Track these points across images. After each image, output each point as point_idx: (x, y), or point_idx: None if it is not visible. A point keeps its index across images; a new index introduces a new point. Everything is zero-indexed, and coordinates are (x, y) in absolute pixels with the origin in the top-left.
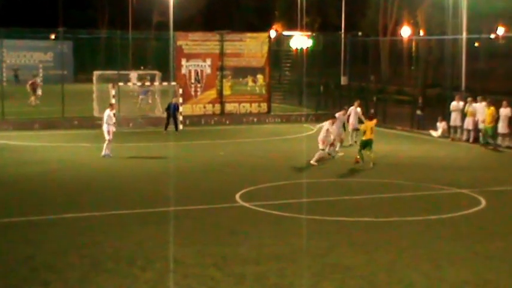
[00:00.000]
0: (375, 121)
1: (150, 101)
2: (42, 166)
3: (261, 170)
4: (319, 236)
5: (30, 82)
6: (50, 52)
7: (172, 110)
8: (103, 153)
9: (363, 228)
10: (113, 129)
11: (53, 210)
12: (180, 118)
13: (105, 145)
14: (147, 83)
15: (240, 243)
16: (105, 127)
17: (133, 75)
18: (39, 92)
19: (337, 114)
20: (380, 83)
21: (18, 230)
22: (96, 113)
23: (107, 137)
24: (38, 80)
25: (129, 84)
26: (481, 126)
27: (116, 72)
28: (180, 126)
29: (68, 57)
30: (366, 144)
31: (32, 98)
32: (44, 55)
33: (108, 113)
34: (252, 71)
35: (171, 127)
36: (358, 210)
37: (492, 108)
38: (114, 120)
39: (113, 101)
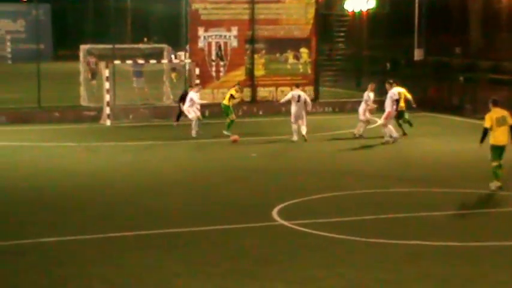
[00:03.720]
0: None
1: (146, 88)
2: (11, 174)
3: (305, 177)
4: (384, 266)
5: None
6: (21, 19)
7: (179, 99)
8: (193, 133)
9: (444, 255)
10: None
11: (26, 233)
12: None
13: (193, 124)
14: (140, 61)
15: (277, 276)
16: (187, 106)
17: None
18: None
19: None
20: (468, 57)
21: None
22: (83, 102)
23: (191, 115)
24: None
25: (128, 62)
26: None
27: (110, 46)
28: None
29: (45, 26)
30: (500, 153)
31: None
32: (12, 23)
33: (193, 95)
34: (294, 44)
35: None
36: (436, 231)
37: None
38: (198, 102)
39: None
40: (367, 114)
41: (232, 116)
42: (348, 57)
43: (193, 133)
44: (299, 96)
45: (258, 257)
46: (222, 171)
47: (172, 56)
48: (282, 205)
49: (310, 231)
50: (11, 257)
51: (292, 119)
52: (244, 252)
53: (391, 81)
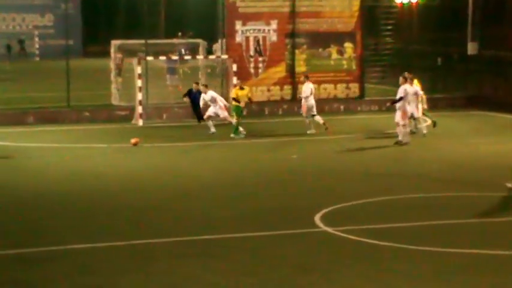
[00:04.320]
0: None
1: (179, 86)
2: (39, 177)
3: (350, 180)
4: (438, 277)
5: None
6: (49, 14)
7: (193, 97)
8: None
9: (503, 265)
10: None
11: (55, 239)
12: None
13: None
14: (174, 57)
15: (319, 286)
16: (212, 109)
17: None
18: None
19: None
20: None
21: (3, 265)
22: (114, 100)
23: (222, 114)
24: None
25: (162, 58)
26: None
27: (142, 41)
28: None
29: (75, 20)
30: None
31: None
32: (40, 18)
33: (211, 94)
34: (337, 38)
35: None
36: (492, 239)
37: None
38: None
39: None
40: (420, 108)
41: (235, 119)
42: (395, 52)
43: (213, 130)
44: (311, 89)
45: (299, 266)
46: (260, 173)
47: (182, 50)
48: (325, 210)
49: (354, 238)
50: (39, 264)
51: (308, 113)
52: (284, 260)
53: (408, 75)
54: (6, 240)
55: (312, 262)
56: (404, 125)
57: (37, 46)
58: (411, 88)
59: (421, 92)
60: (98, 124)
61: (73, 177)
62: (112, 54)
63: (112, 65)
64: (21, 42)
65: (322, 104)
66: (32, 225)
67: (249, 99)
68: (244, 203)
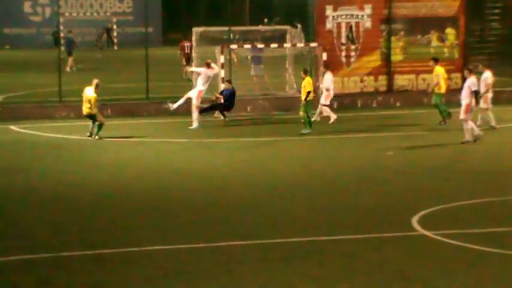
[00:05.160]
0: None
1: (265, 76)
2: (117, 173)
3: (451, 179)
4: None
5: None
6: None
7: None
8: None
9: None
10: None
11: (134, 240)
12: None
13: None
14: (260, 45)
15: None
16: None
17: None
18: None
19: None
20: None
21: (81, 266)
22: None
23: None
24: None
25: (246, 46)
26: None
27: (225, 28)
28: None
29: (154, 7)
30: None
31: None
32: (118, 4)
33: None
34: (438, 23)
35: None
36: None
37: None
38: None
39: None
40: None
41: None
42: (504, 39)
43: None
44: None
45: (398, 272)
46: (352, 171)
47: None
48: (423, 212)
49: (456, 243)
50: (118, 266)
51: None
52: (380, 266)
53: (472, 67)
54: (84, 240)
55: (411, 269)
56: (465, 121)
57: (115, 34)
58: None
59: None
60: (178, 117)
61: (152, 173)
62: (194, 42)
63: (194, 54)
64: (108, 30)
65: (420, 96)
66: (109, 224)
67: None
68: (335, 203)
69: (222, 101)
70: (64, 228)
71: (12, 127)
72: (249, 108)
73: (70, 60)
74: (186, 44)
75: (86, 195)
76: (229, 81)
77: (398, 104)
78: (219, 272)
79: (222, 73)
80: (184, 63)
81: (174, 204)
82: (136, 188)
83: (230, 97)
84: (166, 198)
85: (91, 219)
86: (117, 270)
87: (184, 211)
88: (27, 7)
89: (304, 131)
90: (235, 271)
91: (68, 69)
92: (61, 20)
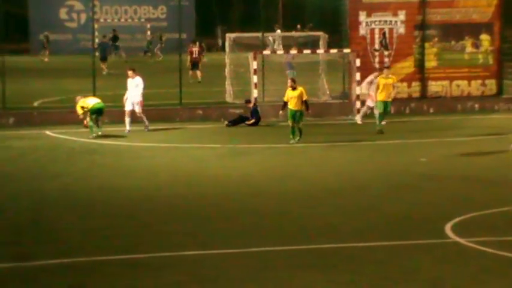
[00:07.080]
0: None
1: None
2: (150, 178)
3: (486, 187)
4: None
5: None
6: (162, 5)
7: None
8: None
9: None
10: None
11: (166, 245)
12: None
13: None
14: (293, 51)
15: None
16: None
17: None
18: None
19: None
20: None
21: (114, 271)
22: (229, 98)
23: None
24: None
25: (279, 52)
26: None
27: (258, 34)
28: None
29: (189, 12)
30: None
31: (103, 67)
32: (153, 9)
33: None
34: (472, 29)
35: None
36: None
37: None
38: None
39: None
40: None
41: (290, 123)
42: None
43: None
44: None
45: (429, 280)
46: (385, 178)
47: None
48: (457, 219)
49: (491, 251)
50: (151, 271)
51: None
52: (412, 273)
53: None
54: (117, 245)
55: (444, 277)
56: None
57: (148, 39)
58: None
59: None
60: (211, 123)
61: (185, 179)
62: (227, 48)
63: (227, 60)
64: (160, 37)
65: (455, 103)
66: (143, 229)
67: (305, 102)
68: (368, 210)
69: (252, 121)
70: (98, 233)
71: (48, 132)
72: (281, 113)
73: (103, 65)
74: (194, 49)
75: (120, 200)
76: (249, 101)
77: (431, 110)
78: (251, 279)
79: (255, 79)
80: (190, 67)
81: (207, 209)
82: (170, 194)
83: (255, 114)
84: (200, 203)
85: (125, 224)
86: (150, 275)
87: (217, 217)
88: (63, 14)
89: (293, 141)
90: (267, 278)
91: (104, 72)
92: (96, 26)
